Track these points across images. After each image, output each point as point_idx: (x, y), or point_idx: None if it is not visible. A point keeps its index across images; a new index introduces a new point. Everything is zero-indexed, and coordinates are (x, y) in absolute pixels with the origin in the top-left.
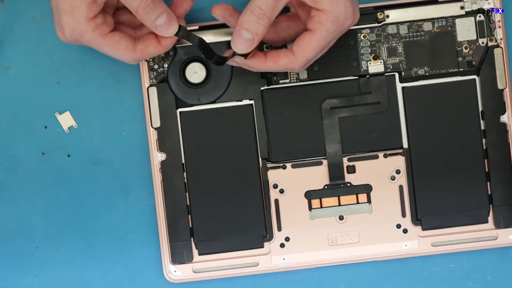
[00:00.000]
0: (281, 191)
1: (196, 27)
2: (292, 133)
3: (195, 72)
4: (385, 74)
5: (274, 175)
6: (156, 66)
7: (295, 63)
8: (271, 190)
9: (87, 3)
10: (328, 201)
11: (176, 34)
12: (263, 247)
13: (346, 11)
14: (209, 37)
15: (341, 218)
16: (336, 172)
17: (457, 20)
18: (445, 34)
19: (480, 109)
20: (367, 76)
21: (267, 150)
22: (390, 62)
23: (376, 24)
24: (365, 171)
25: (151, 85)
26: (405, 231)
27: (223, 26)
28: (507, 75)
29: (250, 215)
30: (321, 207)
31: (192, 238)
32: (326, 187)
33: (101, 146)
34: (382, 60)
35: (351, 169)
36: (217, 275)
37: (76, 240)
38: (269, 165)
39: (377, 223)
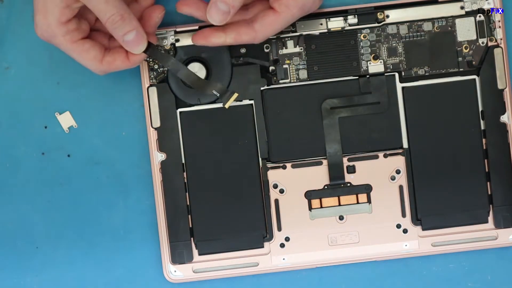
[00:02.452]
0: (281, 191)
1: (196, 27)
2: (292, 133)
3: (195, 72)
4: (385, 74)
5: (274, 175)
6: (156, 66)
7: (255, 40)
8: (271, 190)
9: (60, 7)
10: (328, 201)
11: (145, 52)
12: (263, 247)
13: (313, 0)
14: None
15: (341, 218)
16: (336, 172)
17: (457, 20)
18: (445, 34)
19: (480, 109)
20: (367, 76)
21: (267, 150)
22: (390, 62)
23: (376, 24)
24: (365, 171)
25: (151, 85)
26: (405, 231)
27: None
28: (507, 75)
29: (250, 215)
30: (321, 207)
31: (192, 238)
32: (326, 187)
33: (101, 146)
34: (382, 60)
35: (351, 169)
36: (217, 275)
37: (76, 240)
38: (269, 165)
39: (377, 223)
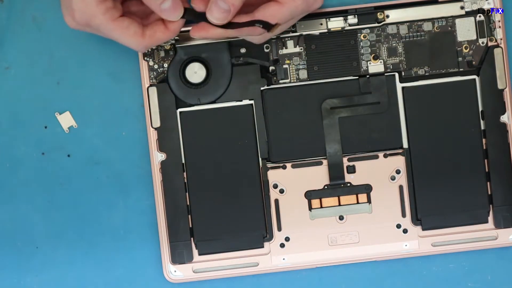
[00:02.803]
0: (281, 191)
1: None
2: (292, 133)
3: (195, 72)
4: (385, 74)
5: (274, 175)
6: (156, 66)
7: (256, 31)
8: (271, 190)
9: None
10: (328, 201)
11: (183, 17)
12: (263, 247)
13: None
14: None
15: (341, 218)
16: (336, 172)
17: (457, 20)
18: (445, 34)
19: (480, 109)
20: (367, 76)
21: (267, 150)
22: (390, 62)
23: (376, 24)
24: (365, 171)
25: (151, 85)
26: (405, 231)
27: None
28: (507, 75)
29: (250, 215)
30: (321, 207)
31: (192, 238)
32: (326, 187)
33: (101, 146)
34: (382, 60)
35: (351, 169)
36: (217, 275)
37: (76, 240)
38: (269, 165)
39: (377, 223)
